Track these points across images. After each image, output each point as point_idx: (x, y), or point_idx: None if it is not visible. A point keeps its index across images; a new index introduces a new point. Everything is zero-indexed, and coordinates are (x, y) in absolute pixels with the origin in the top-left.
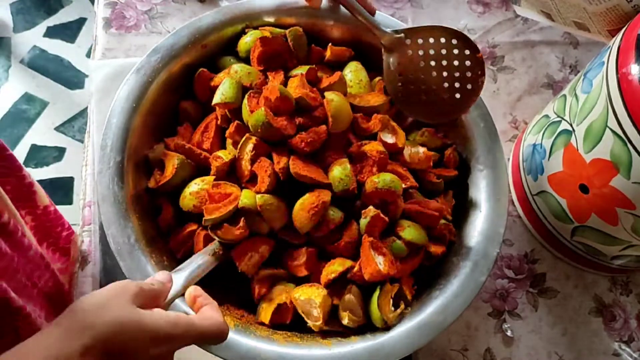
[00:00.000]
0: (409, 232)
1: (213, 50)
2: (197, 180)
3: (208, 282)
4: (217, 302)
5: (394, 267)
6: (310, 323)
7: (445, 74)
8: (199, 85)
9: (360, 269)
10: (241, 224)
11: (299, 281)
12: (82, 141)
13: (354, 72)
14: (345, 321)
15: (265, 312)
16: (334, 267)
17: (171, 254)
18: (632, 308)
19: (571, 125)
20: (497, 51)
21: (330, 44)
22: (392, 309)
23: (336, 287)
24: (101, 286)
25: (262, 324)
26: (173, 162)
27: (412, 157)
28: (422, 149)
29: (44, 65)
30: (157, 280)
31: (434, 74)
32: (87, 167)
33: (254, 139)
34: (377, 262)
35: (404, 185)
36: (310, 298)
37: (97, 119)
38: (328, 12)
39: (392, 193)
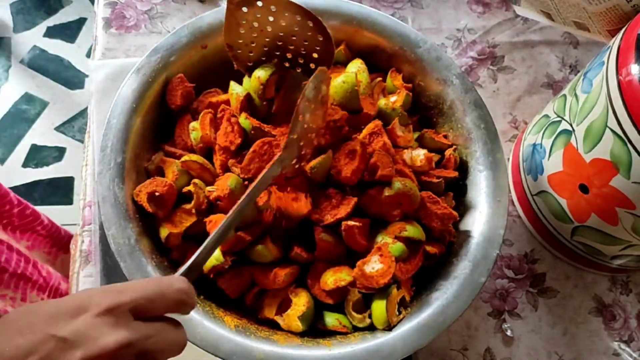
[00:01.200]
0: (407, 230)
1: (213, 50)
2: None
3: (207, 282)
4: (216, 303)
5: (390, 273)
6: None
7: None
8: (170, 93)
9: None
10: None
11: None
12: (82, 141)
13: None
14: (355, 321)
15: (270, 307)
16: (342, 276)
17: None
18: (632, 308)
19: (571, 125)
20: (497, 51)
21: (344, 42)
22: (397, 313)
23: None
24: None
25: (266, 319)
26: (173, 169)
27: (414, 159)
28: (422, 152)
29: (44, 65)
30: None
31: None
32: (87, 167)
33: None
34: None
35: None
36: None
37: (97, 119)
38: (329, 13)
39: (400, 199)
